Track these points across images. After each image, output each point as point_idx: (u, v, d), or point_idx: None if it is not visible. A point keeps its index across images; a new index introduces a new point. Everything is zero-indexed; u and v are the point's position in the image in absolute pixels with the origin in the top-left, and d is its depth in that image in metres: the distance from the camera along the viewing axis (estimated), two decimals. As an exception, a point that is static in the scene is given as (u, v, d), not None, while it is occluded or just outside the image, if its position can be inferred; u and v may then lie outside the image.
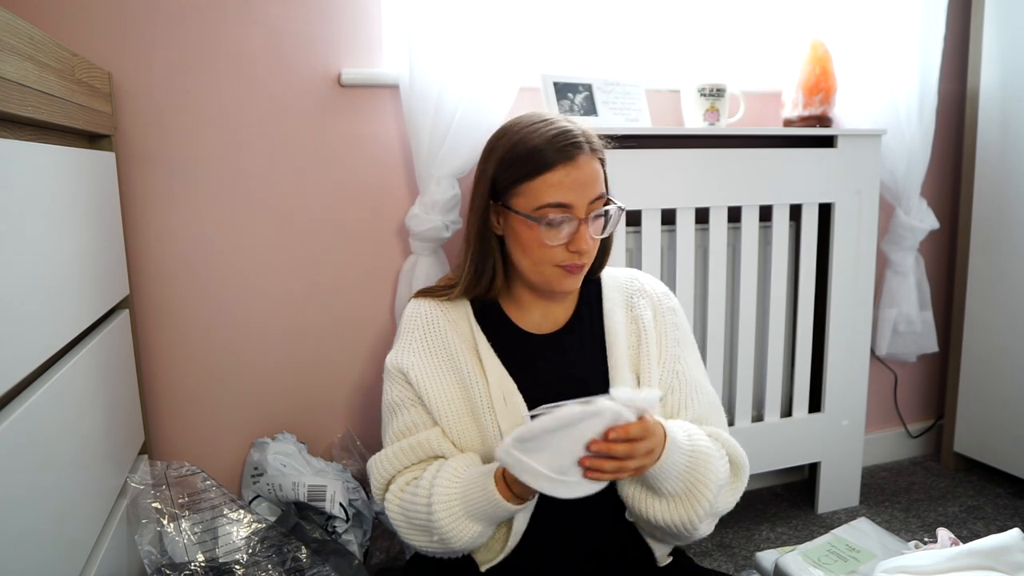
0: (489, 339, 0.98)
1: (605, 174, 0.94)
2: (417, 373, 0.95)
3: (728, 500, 0.96)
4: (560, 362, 0.98)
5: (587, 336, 1.00)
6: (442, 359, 0.97)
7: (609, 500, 0.95)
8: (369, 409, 1.48)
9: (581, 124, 0.93)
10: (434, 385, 0.95)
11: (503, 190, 0.92)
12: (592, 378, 0.97)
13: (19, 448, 0.70)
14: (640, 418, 0.79)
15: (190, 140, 1.29)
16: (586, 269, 0.95)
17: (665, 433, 0.85)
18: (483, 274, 0.97)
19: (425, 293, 1.03)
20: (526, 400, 0.94)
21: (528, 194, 0.90)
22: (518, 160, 0.90)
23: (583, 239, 0.90)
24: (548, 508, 0.93)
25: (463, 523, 0.87)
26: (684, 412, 0.99)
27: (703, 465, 0.88)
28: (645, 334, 0.99)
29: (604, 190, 0.93)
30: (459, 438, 0.94)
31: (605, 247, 1.01)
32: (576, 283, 0.95)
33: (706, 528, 0.92)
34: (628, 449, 0.78)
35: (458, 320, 0.99)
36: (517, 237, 0.93)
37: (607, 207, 0.93)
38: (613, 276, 1.06)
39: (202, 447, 1.37)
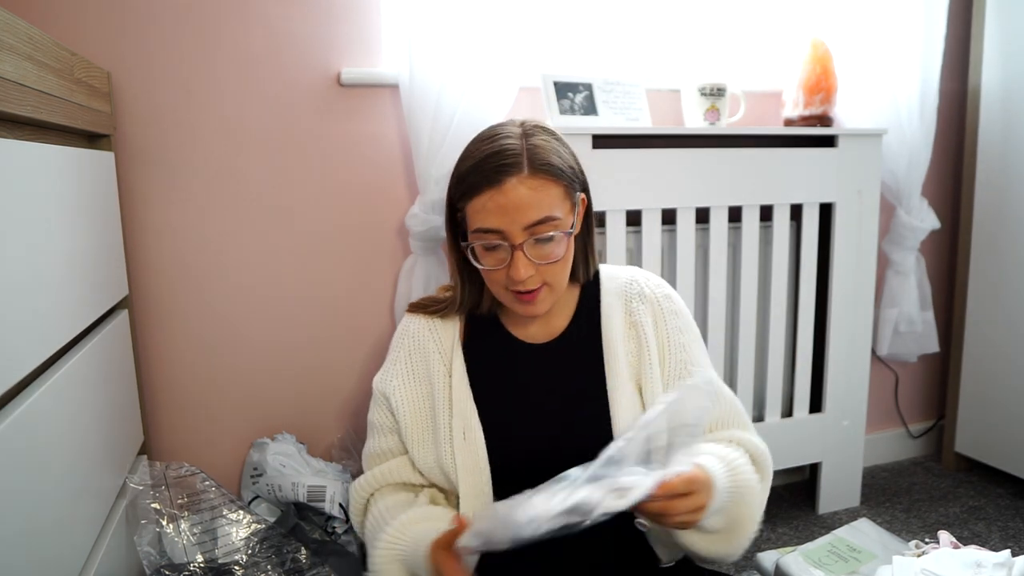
0: (479, 350, 0.97)
1: (573, 190, 0.88)
2: (398, 399, 0.96)
3: (761, 505, 0.91)
4: (555, 373, 0.95)
5: (584, 345, 0.96)
6: (423, 383, 0.97)
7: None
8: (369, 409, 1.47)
9: (539, 138, 0.87)
10: (411, 411, 0.96)
11: (456, 208, 0.91)
12: (588, 389, 0.94)
13: (18, 449, 0.70)
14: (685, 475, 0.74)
15: (189, 140, 1.29)
16: (549, 293, 0.89)
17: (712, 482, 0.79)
18: (472, 293, 0.96)
19: (419, 308, 1.01)
20: (515, 412, 0.94)
21: (466, 217, 0.88)
22: (455, 181, 0.89)
23: (516, 267, 0.85)
24: None
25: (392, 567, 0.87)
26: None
27: (746, 500, 0.85)
28: (646, 342, 0.95)
29: (550, 212, 0.84)
30: (423, 467, 0.95)
31: (585, 251, 0.96)
32: (537, 309, 0.90)
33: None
34: (663, 507, 0.73)
35: (444, 340, 0.98)
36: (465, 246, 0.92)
37: (554, 232, 0.85)
38: (612, 277, 1.00)
39: (201, 447, 1.36)
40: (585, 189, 0.93)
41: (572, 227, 0.88)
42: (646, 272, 1.03)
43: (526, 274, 0.85)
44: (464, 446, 0.92)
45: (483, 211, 0.85)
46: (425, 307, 1.00)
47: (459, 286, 0.97)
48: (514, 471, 0.92)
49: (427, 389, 0.96)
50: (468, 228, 0.88)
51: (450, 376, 0.95)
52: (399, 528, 0.88)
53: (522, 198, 0.83)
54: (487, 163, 0.85)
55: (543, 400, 0.94)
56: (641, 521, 0.87)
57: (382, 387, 0.98)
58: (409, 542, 0.85)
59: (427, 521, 0.88)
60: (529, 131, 0.88)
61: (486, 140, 0.88)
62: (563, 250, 0.87)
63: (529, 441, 0.93)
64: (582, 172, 0.92)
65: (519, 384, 0.96)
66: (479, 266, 0.89)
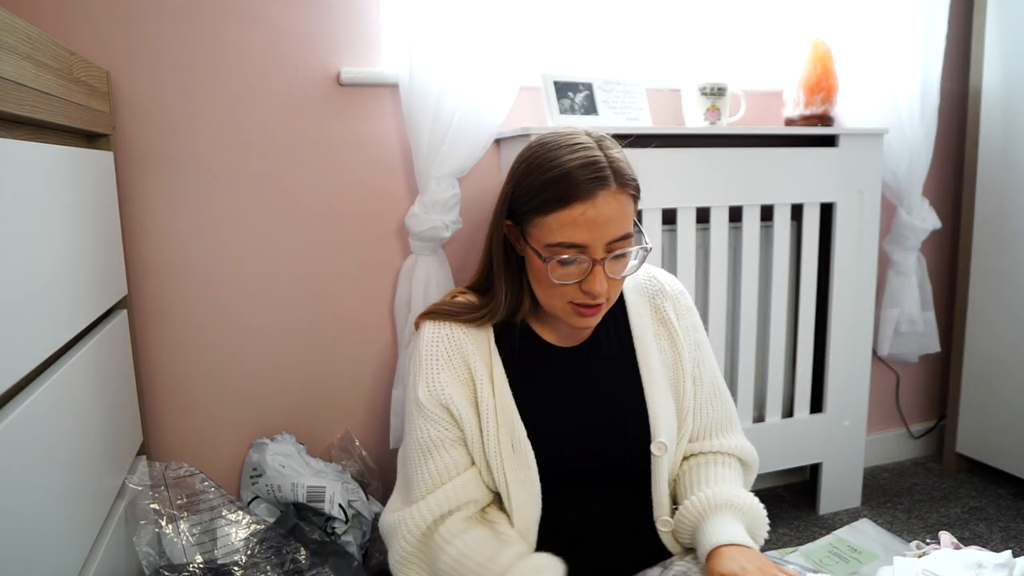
0: (513, 358, 0.93)
1: (637, 205, 0.87)
2: (459, 406, 0.89)
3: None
4: (591, 375, 0.94)
5: (615, 345, 0.96)
6: (470, 389, 0.91)
7: (637, 509, 0.95)
8: (369, 410, 1.47)
9: (614, 151, 0.85)
10: (471, 418, 0.90)
11: (520, 217, 0.87)
12: (625, 388, 0.94)
13: (17, 449, 0.69)
14: None
15: (189, 139, 1.29)
16: (605, 308, 0.88)
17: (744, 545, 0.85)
18: (513, 300, 0.92)
19: (444, 316, 0.93)
20: (558, 419, 0.92)
21: (542, 228, 0.83)
22: (533, 190, 0.83)
23: (596, 281, 0.82)
24: (561, 518, 0.93)
25: None
26: (700, 416, 1.00)
27: (756, 517, 0.92)
28: (675, 338, 0.97)
29: (629, 228, 0.84)
30: (483, 476, 0.92)
31: None
32: (592, 323, 0.88)
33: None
34: None
35: (481, 346, 0.93)
36: (530, 265, 0.88)
37: (630, 248, 0.85)
38: (630, 276, 1.00)
39: (201, 448, 1.36)
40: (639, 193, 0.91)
41: (644, 242, 0.87)
42: (658, 268, 1.04)
43: (603, 288, 0.83)
44: (513, 457, 0.89)
45: (571, 225, 0.81)
46: (451, 314, 0.93)
47: (504, 293, 0.91)
48: (561, 478, 0.92)
49: (474, 396, 0.91)
50: (539, 239, 0.84)
51: (492, 385, 0.91)
52: None
53: (612, 213, 0.81)
54: (579, 174, 0.80)
55: (582, 403, 0.93)
56: (665, 519, 0.93)
57: (436, 397, 0.90)
58: None
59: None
60: (601, 142, 0.85)
61: (564, 148, 0.83)
62: (633, 266, 0.87)
63: (573, 447, 0.92)
64: None
65: (558, 389, 0.94)
66: (552, 280, 0.84)
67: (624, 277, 0.88)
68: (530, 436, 0.90)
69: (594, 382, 0.94)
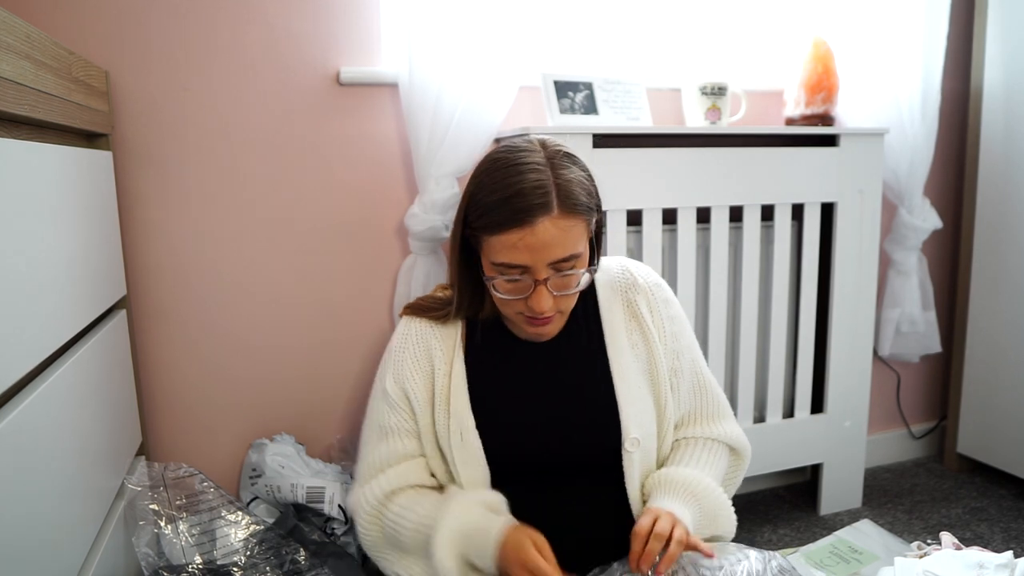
0: (478, 352, 0.97)
1: (597, 225, 0.89)
2: (417, 399, 0.95)
3: (733, 486, 1.03)
4: (558, 369, 0.96)
5: (584, 338, 0.98)
6: (430, 382, 0.96)
7: (609, 505, 0.95)
8: (369, 410, 1.47)
9: (567, 172, 0.84)
10: (424, 408, 0.95)
11: (472, 231, 0.89)
12: (593, 382, 0.96)
13: (15, 450, 0.69)
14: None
15: (188, 139, 1.29)
16: (560, 317, 0.91)
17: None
18: (473, 302, 0.96)
19: (418, 311, 1.00)
20: (515, 412, 0.94)
21: (488, 245, 0.86)
22: (480, 209, 0.85)
23: (539, 300, 0.85)
24: (543, 510, 0.93)
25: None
26: (683, 407, 1.01)
27: (720, 511, 0.94)
28: (647, 332, 0.98)
29: (575, 249, 0.85)
30: (435, 466, 0.96)
31: (593, 257, 0.95)
32: (548, 332, 0.92)
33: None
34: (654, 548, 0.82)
35: (446, 341, 0.98)
36: (484, 276, 0.91)
37: (577, 269, 0.86)
38: (603, 269, 1.02)
39: (200, 448, 1.36)
40: (599, 208, 0.92)
41: (594, 263, 0.90)
42: (634, 261, 1.05)
43: (547, 306, 0.85)
44: (462, 447, 0.93)
45: (511, 248, 0.83)
46: (424, 310, 1.00)
47: (458, 294, 0.95)
48: (518, 470, 0.94)
49: (433, 388, 0.96)
50: (486, 255, 0.87)
51: (449, 377, 0.95)
52: (463, 511, 0.87)
53: (552, 238, 0.82)
54: (518, 201, 0.81)
55: (546, 397, 0.95)
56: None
57: (400, 387, 0.96)
58: (472, 525, 0.87)
59: (484, 508, 0.89)
60: (554, 159, 0.85)
61: (512, 167, 0.84)
62: (582, 281, 0.89)
63: (531, 440, 0.94)
64: (599, 195, 0.91)
65: (521, 383, 0.96)
66: (496, 294, 0.88)
67: (575, 292, 0.90)
68: (481, 427, 0.92)
69: (562, 377, 0.96)
